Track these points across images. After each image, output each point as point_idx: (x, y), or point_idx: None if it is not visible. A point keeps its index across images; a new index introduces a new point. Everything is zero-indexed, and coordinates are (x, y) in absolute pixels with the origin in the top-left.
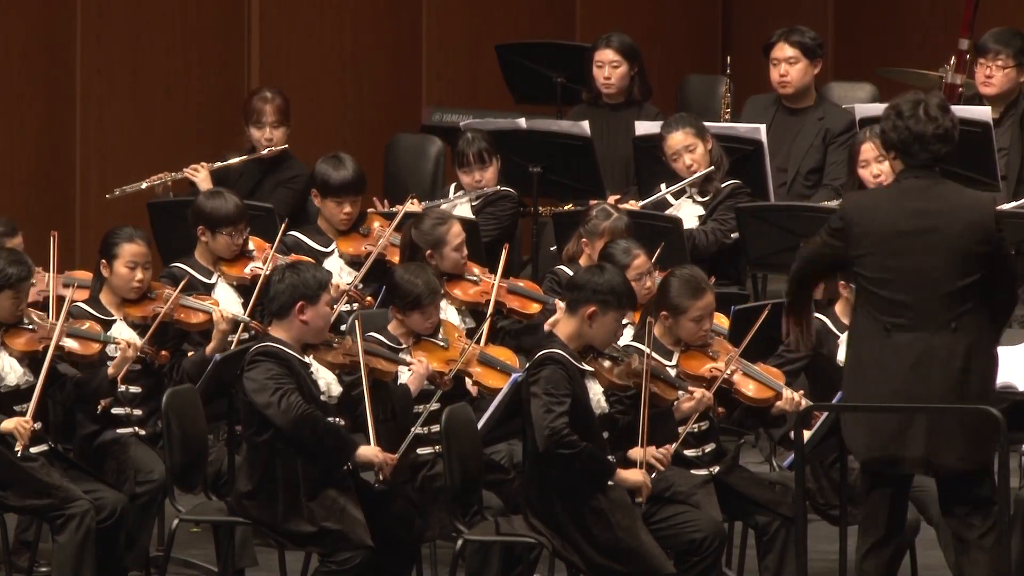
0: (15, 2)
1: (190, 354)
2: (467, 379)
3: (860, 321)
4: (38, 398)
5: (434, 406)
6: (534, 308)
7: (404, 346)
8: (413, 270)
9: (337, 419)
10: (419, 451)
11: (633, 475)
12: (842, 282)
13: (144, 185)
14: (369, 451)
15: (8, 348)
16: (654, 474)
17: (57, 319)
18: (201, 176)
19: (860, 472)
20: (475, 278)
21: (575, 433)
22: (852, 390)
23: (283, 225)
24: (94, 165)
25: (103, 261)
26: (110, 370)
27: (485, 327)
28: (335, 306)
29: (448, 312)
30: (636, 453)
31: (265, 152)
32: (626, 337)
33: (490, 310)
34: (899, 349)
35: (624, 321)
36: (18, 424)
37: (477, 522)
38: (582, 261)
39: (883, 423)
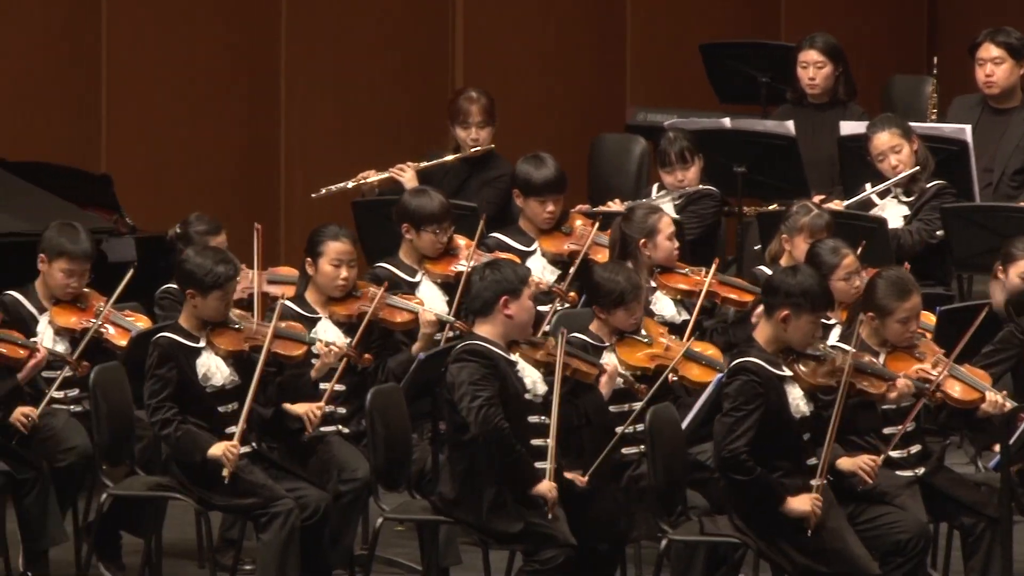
0: (221, 4)
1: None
2: (670, 375)
3: None
4: (247, 414)
5: (638, 405)
6: (749, 297)
7: (607, 344)
8: (612, 268)
9: (541, 417)
10: (623, 451)
11: (801, 504)
12: None
13: (350, 184)
14: (543, 487)
15: (214, 348)
16: (860, 487)
17: (262, 317)
18: (407, 176)
19: None
20: (685, 270)
21: (768, 442)
22: None
23: (481, 223)
24: (298, 165)
25: (308, 259)
26: (312, 373)
27: (691, 320)
28: (540, 306)
29: (662, 303)
30: (845, 463)
31: (471, 152)
32: (833, 337)
33: (697, 307)
34: None
35: (832, 320)
36: (226, 450)
37: (682, 522)
38: (783, 260)
39: None
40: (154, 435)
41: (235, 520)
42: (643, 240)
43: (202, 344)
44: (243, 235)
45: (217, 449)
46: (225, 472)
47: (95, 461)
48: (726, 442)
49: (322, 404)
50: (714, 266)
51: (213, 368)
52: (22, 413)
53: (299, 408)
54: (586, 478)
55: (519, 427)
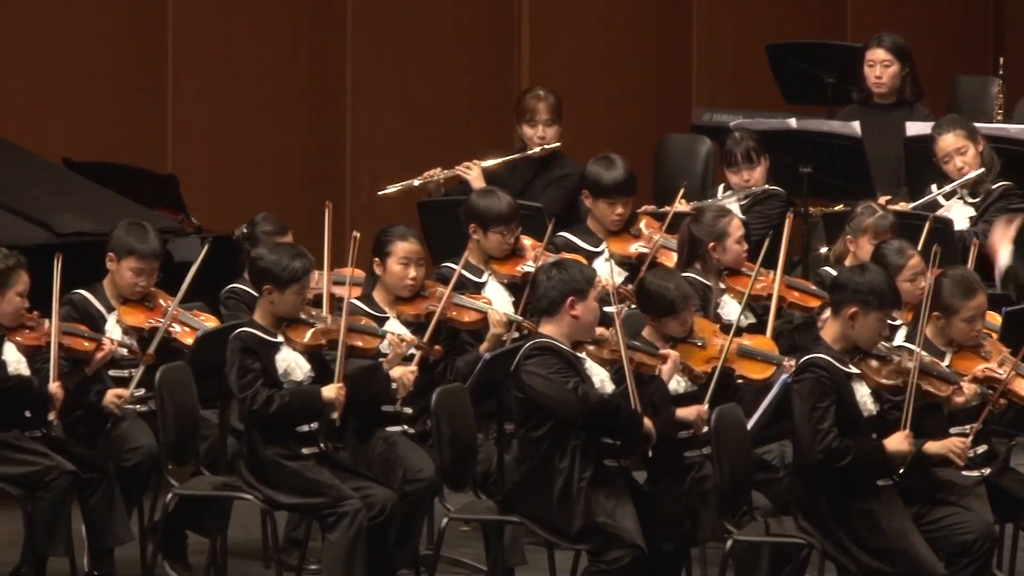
0: (286, 3)
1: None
2: (734, 380)
3: None
4: (341, 374)
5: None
6: (814, 302)
7: (660, 351)
8: (663, 275)
9: None
10: (686, 453)
11: (899, 444)
12: None
13: (416, 182)
14: (648, 424)
15: (292, 343)
16: (951, 467)
17: (331, 314)
18: (474, 174)
19: None
20: (753, 273)
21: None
22: None
23: (551, 224)
24: (364, 165)
25: (376, 259)
26: (385, 366)
27: (769, 326)
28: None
29: (729, 306)
30: (933, 447)
31: (538, 150)
32: (899, 338)
33: (772, 313)
34: None
35: (898, 322)
36: (338, 392)
37: (746, 522)
38: (847, 261)
39: None
40: (255, 418)
41: (301, 520)
42: (712, 243)
43: (280, 339)
44: (309, 235)
45: (330, 391)
46: (335, 415)
47: (161, 461)
48: (816, 445)
49: (415, 368)
50: (780, 267)
51: (293, 364)
52: (115, 395)
53: (394, 372)
54: (705, 406)
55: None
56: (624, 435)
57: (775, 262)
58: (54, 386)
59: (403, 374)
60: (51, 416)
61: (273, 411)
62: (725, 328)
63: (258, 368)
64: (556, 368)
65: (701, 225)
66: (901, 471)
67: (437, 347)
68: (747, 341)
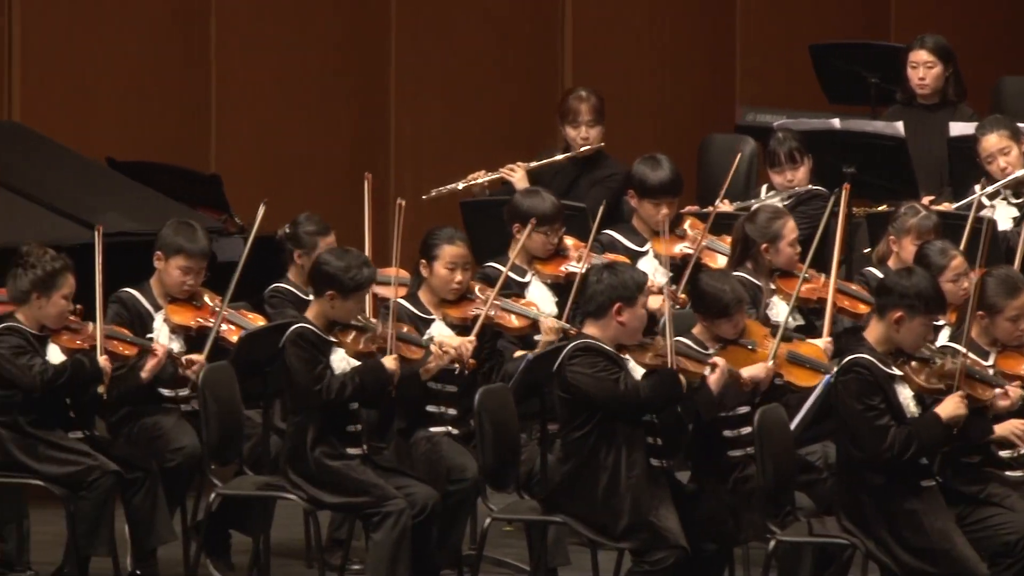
0: (331, 4)
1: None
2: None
3: None
4: (393, 345)
5: (743, 409)
6: (864, 308)
7: (711, 350)
8: (718, 278)
9: (652, 416)
10: (730, 453)
11: (953, 409)
12: None
13: (461, 186)
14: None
15: (344, 347)
16: (1013, 452)
17: (376, 317)
18: (518, 176)
19: None
20: (805, 275)
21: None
22: None
23: (595, 223)
24: (408, 166)
25: (423, 261)
26: (422, 373)
27: (825, 332)
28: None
29: (778, 308)
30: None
31: (581, 151)
32: (943, 339)
33: (828, 321)
34: None
35: (941, 322)
36: (395, 362)
37: (790, 523)
38: (891, 262)
39: None
40: (330, 407)
41: (344, 520)
42: (765, 244)
43: (334, 340)
44: (353, 235)
45: (389, 362)
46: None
47: (203, 461)
48: (881, 443)
49: (473, 339)
50: (834, 272)
51: (346, 366)
52: (189, 360)
53: (452, 342)
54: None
55: (634, 426)
56: (671, 405)
57: (824, 264)
58: (102, 359)
59: (462, 343)
60: (100, 389)
61: (348, 395)
62: (776, 331)
63: (325, 361)
64: (601, 366)
65: (755, 225)
66: (969, 443)
67: (472, 360)
68: (799, 348)
